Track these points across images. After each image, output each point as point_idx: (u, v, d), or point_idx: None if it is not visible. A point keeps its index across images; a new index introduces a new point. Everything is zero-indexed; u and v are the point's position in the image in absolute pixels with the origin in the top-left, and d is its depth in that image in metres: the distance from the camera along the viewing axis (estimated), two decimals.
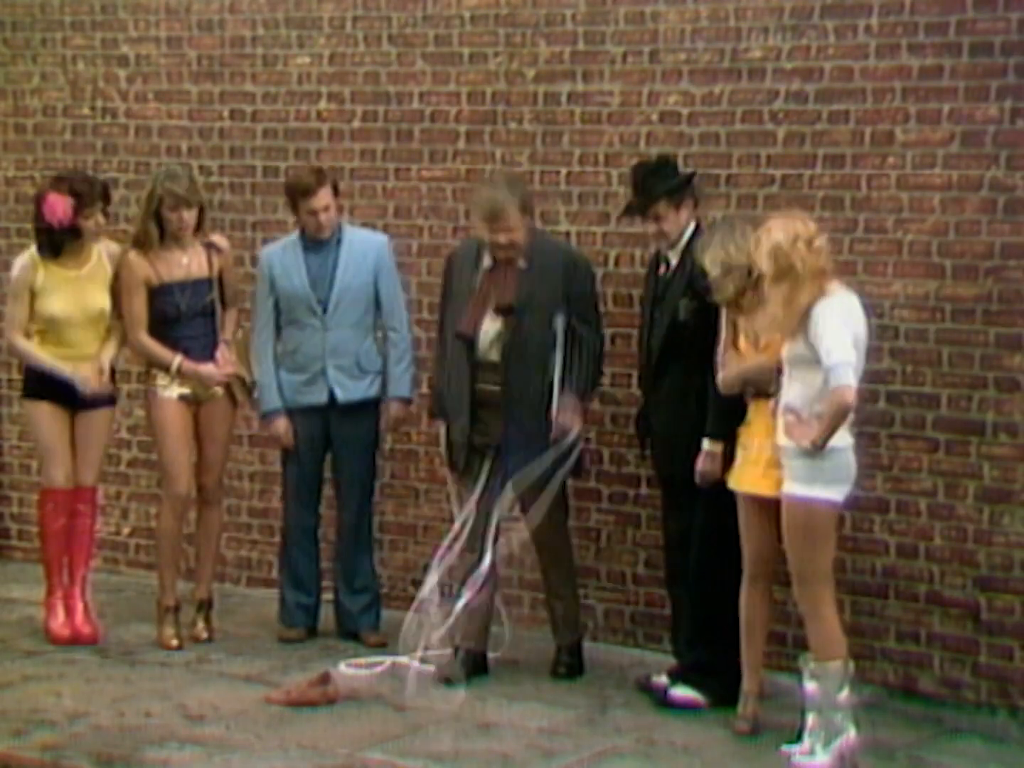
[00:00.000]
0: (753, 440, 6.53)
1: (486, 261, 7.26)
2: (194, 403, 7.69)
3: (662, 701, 6.87)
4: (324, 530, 8.05)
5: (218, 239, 7.87)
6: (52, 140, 9.10)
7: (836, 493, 6.21)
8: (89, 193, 7.57)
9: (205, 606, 7.84)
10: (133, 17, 8.85)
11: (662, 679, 7.02)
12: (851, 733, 6.19)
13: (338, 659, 7.36)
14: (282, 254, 7.75)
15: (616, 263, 7.71)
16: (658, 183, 6.98)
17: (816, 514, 6.19)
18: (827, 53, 7.26)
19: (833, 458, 6.16)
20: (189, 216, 7.59)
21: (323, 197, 7.55)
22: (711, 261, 6.54)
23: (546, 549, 7.41)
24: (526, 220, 7.19)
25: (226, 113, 8.67)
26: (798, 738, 6.25)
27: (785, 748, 6.30)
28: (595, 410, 7.70)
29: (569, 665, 7.41)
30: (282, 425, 7.71)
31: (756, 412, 6.55)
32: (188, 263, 7.67)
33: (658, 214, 6.95)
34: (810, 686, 6.23)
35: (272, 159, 8.54)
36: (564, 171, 7.79)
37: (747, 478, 6.51)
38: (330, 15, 8.37)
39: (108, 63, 8.93)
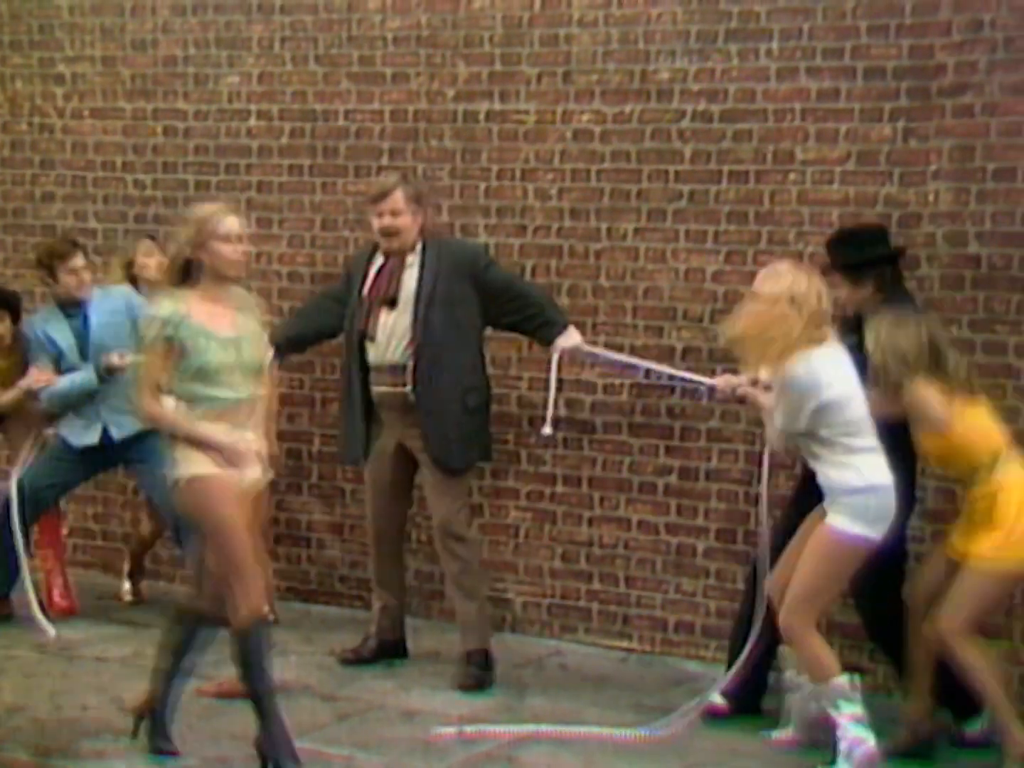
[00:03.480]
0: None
1: (378, 261, 7.20)
2: None
3: (957, 743, 6.49)
4: None
5: None
6: None
7: (876, 532, 6.09)
8: None
9: None
10: (69, 37, 8.94)
11: None
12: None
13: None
14: (46, 323, 7.86)
15: (532, 273, 7.81)
16: (840, 253, 6.67)
17: (848, 548, 6.11)
18: (731, 75, 7.44)
19: (879, 497, 6.09)
20: None
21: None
22: (873, 342, 6.23)
23: (456, 547, 7.16)
24: (415, 211, 7.07)
25: (159, 130, 8.77)
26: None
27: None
28: (512, 413, 7.87)
29: (478, 678, 7.10)
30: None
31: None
32: None
33: (832, 283, 6.42)
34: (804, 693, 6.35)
35: (204, 174, 8.65)
36: (483, 186, 7.94)
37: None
38: (259, 36, 8.48)
39: (45, 81, 9.03)
